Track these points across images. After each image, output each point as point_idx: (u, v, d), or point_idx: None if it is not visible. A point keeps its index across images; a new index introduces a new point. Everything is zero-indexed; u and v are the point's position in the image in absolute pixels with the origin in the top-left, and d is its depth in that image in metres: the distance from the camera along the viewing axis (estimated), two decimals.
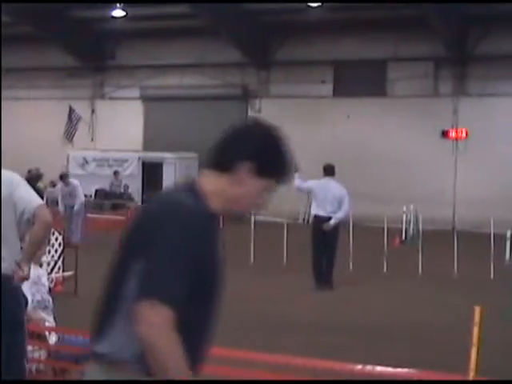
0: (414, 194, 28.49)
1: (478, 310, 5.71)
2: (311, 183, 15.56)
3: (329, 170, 15.65)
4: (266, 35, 32.87)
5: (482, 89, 30.29)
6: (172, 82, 34.71)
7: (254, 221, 19.72)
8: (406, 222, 25.15)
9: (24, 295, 5.84)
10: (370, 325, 11.95)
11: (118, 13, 30.34)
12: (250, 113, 33.53)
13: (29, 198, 5.70)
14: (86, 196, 32.02)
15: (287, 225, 19.31)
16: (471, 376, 5.64)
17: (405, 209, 25.26)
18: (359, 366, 5.99)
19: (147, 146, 35.11)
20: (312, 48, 32.01)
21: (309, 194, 15.62)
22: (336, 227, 15.29)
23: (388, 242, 18.82)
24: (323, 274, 15.31)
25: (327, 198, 15.21)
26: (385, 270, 17.88)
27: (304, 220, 28.28)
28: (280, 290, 15.21)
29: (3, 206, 5.60)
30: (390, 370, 5.96)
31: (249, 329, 11.35)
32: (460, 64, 30.44)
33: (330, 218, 15.14)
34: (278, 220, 20.22)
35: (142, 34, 33.70)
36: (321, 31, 31.34)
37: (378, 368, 5.87)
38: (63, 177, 22.74)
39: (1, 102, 32.34)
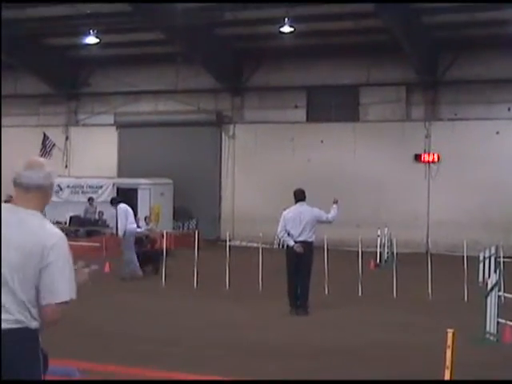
0: (388, 218, 28.69)
1: (450, 333, 5.81)
2: (284, 214, 15.64)
3: (299, 196, 15.77)
4: (240, 61, 33.09)
5: (453, 113, 30.66)
6: (146, 108, 34.81)
7: (229, 246, 19.78)
8: (381, 246, 25.32)
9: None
10: (345, 348, 12.01)
11: (92, 40, 30.38)
12: (224, 138, 33.69)
13: (51, 288, 4.88)
14: (60, 223, 32.03)
15: (262, 250, 19.34)
16: None
17: (379, 232, 25.44)
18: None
19: (122, 172, 35.08)
20: (285, 73, 32.27)
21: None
22: (309, 251, 15.38)
23: (363, 265, 18.90)
24: (298, 299, 15.35)
25: (301, 224, 15.33)
26: (360, 293, 17.96)
27: (279, 245, 28.35)
28: (256, 316, 15.24)
29: (28, 257, 4.89)
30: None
31: (224, 355, 11.38)
32: (431, 89, 30.80)
33: (302, 242, 15.24)
34: (254, 245, 20.25)
35: (116, 61, 33.83)
36: (294, 57, 31.62)
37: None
38: (113, 201, 21.96)
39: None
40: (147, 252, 20.21)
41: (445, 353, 5.93)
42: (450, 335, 5.81)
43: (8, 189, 31.29)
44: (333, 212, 15.83)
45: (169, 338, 12.65)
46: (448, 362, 5.79)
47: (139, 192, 32.04)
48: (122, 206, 21.10)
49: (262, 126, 32.92)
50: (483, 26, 28.09)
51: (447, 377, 5.73)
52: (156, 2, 26.81)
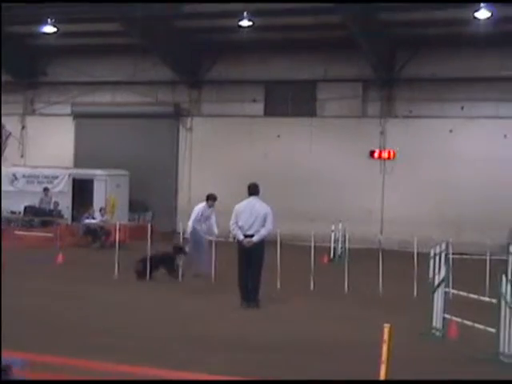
0: (342, 213, 28.91)
1: (387, 328, 5.95)
2: (236, 208, 15.75)
3: (253, 190, 15.88)
4: (198, 54, 33.06)
5: (409, 110, 30.99)
6: (103, 99, 34.66)
7: (183, 239, 19.86)
8: (334, 241, 25.52)
9: None
10: (294, 342, 12.14)
11: (50, 29, 30.16)
12: (182, 131, 33.69)
13: None
14: (14, 213, 31.79)
15: (217, 242, 19.47)
16: None
17: (333, 227, 25.63)
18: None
19: (78, 162, 34.91)
20: (243, 67, 32.34)
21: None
22: (261, 245, 15.50)
23: (316, 260, 19.10)
24: (249, 292, 15.47)
25: (251, 217, 15.44)
26: (312, 287, 18.14)
27: (234, 238, 28.44)
28: (207, 308, 15.35)
29: None
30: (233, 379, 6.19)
31: (174, 347, 11.45)
32: (387, 86, 31.08)
33: (253, 236, 15.36)
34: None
35: (74, 51, 33.61)
36: (252, 51, 31.71)
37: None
38: (209, 198, 20.83)
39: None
40: (160, 255, 19.61)
41: (381, 348, 6.08)
42: (386, 330, 5.95)
43: None
44: (269, 224, 15.59)
45: (119, 329, 12.69)
46: (384, 357, 5.93)
47: (95, 183, 31.96)
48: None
49: (220, 120, 32.98)
50: (439, 25, 28.41)
51: (383, 371, 5.88)
52: None
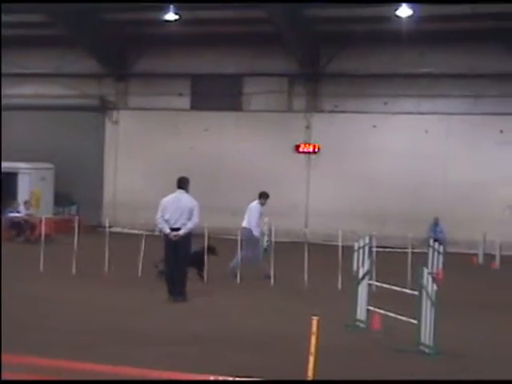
0: (268, 207, 29.04)
1: (315, 321, 6.15)
2: (163, 202, 15.79)
3: (180, 183, 15.95)
4: (125, 47, 32.92)
5: (333, 105, 31.42)
6: (29, 91, 34.16)
7: (110, 232, 19.81)
8: (260, 234, 25.72)
9: None
10: (221, 335, 12.29)
11: None
12: (108, 125, 33.51)
13: None
14: None
15: (144, 236, 19.46)
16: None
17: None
18: (211, 377, 6.31)
19: (2, 155, 34.36)
20: (170, 61, 32.32)
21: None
22: (187, 238, 15.58)
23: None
24: (176, 286, 15.55)
25: (178, 210, 15.52)
26: (238, 281, 18.33)
27: (160, 232, 28.48)
28: (134, 302, 15.36)
29: None
30: (230, 379, 6.32)
31: (101, 341, 11.48)
32: (313, 81, 31.46)
33: (179, 229, 15.44)
34: (135, 232, 20.30)
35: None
36: (179, 44, 31.70)
37: (220, 378, 6.22)
38: (262, 195, 20.49)
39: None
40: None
41: (309, 339, 6.27)
42: (314, 322, 6.15)
43: None
44: (196, 218, 15.68)
45: (45, 324, 12.65)
46: (312, 349, 6.13)
47: (19, 176, 31.55)
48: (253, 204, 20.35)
49: (146, 113, 32.91)
50: (363, 22, 28.85)
51: (311, 363, 6.08)
52: None
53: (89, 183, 33.15)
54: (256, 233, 19.77)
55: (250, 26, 29.85)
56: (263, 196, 20.30)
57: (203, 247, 18.79)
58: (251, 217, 19.85)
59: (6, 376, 6.64)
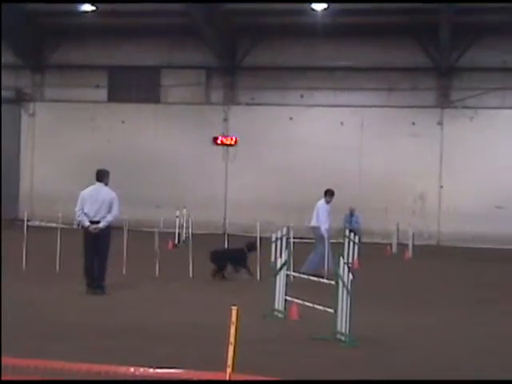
0: (186, 199, 29.30)
1: (234, 310, 6.32)
2: (81, 194, 15.75)
3: (99, 176, 15.91)
4: (41, 37, 32.53)
5: (251, 98, 31.68)
6: None
7: (27, 226, 19.61)
8: (179, 227, 25.85)
9: None
10: (141, 327, 12.36)
11: None
12: (24, 117, 33.06)
13: None
14: None
15: (61, 230, 19.33)
16: (228, 372, 6.24)
17: (178, 213, 25.95)
18: (123, 368, 6.42)
19: None
20: (87, 52, 32.11)
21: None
22: (107, 231, 15.58)
23: (161, 245, 19.35)
24: (95, 279, 15.55)
25: (97, 203, 15.50)
26: (157, 273, 18.40)
27: (79, 225, 28.33)
28: (52, 296, 15.28)
29: None
30: (151, 371, 6.46)
31: (20, 335, 11.43)
32: (230, 74, 31.64)
33: (98, 222, 15.44)
34: (53, 225, 20.16)
35: None
36: (96, 36, 31.51)
37: (141, 369, 6.35)
38: (327, 193, 20.29)
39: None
40: (230, 251, 18.45)
41: (228, 329, 6.45)
42: (234, 312, 6.32)
43: None
44: (116, 211, 15.71)
45: None
46: (232, 339, 6.30)
47: None
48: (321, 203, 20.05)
49: (63, 105, 32.62)
50: (279, 15, 29.18)
51: (231, 352, 6.25)
52: None
53: (5, 176, 32.67)
54: (324, 231, 19.76)
55: (167, 18, 29.87)
56: (328, 193, 20.31)
57: (247, 244, 18.62)
58: (319, 216, 19.89)
59: None
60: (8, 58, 31.95)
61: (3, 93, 32.94)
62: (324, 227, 19.78)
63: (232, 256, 18.54)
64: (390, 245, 26.99)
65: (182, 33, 30.65)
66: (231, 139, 31.71)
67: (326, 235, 19.74)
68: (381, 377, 9.22)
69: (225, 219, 29.99)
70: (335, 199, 27.02)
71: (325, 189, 20.31)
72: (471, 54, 30.61)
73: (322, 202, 20.25)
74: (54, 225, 19.96)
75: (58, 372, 6.81)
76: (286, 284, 13.39)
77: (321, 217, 19.92)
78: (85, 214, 15.55)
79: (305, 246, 20.29)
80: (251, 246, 18.63)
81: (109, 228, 15.68)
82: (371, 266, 21.68)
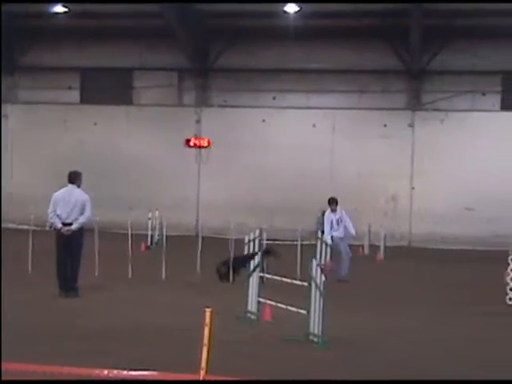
0: (159, 201, 29.27)
1: (208, 312, 6.39)
2: (54, 196, 15.70)
3: (71, 178, 15.87)
4: (13, 39, 32.33)
5: (223, 100, 31.73)
6: None
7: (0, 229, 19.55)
8: (152, 228, 25.85)
9: None
10: (112, 329, 12.35)
11: None
12: None
13: None
14: None
15: (33, 232, 19.26)
16: (201, 374, 6.30)
17: (150, 215, 25.94)
18: (97, 371, 6.45)
19: None
20: (59, 54, 32.01)
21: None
22: (79, 233, 15.56)
23: (133, 247, 19.33)
24: (68, 281, 15.52)
25: (70, 205, 15.47)
26: (130, 275, 18.38)
27: (51, 227, 28.21)
28: (24, 298, 15.21)
29: None
30: (125, 373, 6.50)
31: None
32: (203, 75, 31.67)
33: (71, 225, 15.41)
34: (25, 227, 20.05)
35: None
36: (68, 37, 31.43)
37: (115, 371, 6.39)
38: (330, 202, 20.38)
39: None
40: (243, 257, 18.08)
41: (202, 331, 6.50)
42: (207, 314, 6.37)
43: None
44: (88, 212, 15.68)
45: None
46: (206, 340, 6.35)
47: None
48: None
49: (36, 107, 32.49)
50: (252, 17, 29.26)
51: (204, 354, 6.31)
52: None
53: None
54: (328, 240, 19.93)
55: (140, 19, 29.85)
56: (331, 202, 20.47)
57: (264, 251, 17.91)
58: (325, 226, 20.16)
59: None
60: None
61: None
62: (328, 237, 19.97)
63: (244, 261, 17.71)
64: (362, 246, 27.13)
65: (154, 34, 30.64)
66: (204, 141, 31.75)
67: (329, 242, 20.03)
68: (353, 378, 9.31)
69: (197, 221, 29.96)
70: (307, 201, 27.15)
71: (326, 196, 20.74)
72: (442, 57, 30.87)
73: (327, 212, 20.54)
74: (26, 227, 19.81)
75: (31, 373, 6.82)
76: (259, 286, 13.45)
77: (325, 227, 20.25)
78: (57, 215, 15.52)
79: (277, 247, 20.34)
80: (266, 253, 18.11)
81: (81, 230, 15.66)
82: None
